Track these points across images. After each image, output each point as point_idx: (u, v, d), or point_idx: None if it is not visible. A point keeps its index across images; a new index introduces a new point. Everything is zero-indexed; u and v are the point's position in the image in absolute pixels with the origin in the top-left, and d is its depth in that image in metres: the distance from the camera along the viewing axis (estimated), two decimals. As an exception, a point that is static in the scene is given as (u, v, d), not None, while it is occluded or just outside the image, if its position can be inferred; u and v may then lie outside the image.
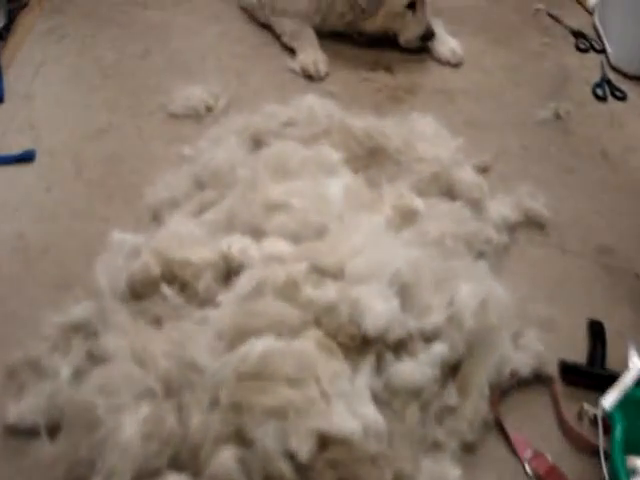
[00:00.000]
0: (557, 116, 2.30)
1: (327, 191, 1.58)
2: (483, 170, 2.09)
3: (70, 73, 2.39)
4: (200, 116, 2.19)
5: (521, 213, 1.94)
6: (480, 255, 1.77)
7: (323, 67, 2.36)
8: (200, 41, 2.52)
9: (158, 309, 1.46)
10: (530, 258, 1.88)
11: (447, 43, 2.49)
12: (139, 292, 1.48)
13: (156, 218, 1.82)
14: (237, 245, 1.44)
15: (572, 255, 1.91)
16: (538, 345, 1.58)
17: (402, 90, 2.36)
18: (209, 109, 2.21)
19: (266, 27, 2.58)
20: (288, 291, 1.32)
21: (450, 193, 1.83)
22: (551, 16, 2.77)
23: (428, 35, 2.37)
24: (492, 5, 2.83)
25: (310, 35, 2.45)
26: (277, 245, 1.45)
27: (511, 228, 1.91)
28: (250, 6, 2.59)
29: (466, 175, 1.83)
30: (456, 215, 1.74)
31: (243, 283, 1.35)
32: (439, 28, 2.54)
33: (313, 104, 1.89)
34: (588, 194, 2.07)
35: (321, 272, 1.39)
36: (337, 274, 1.39)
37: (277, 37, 2.53)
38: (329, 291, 1.33)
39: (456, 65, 2.48)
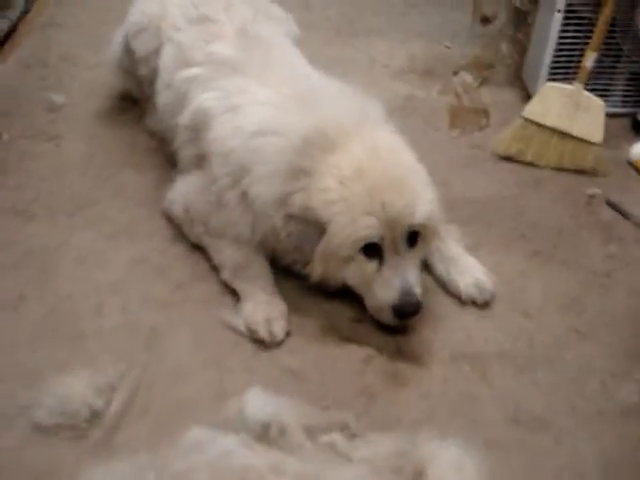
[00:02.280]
0: (650, 398, 1.55)
1: None
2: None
3: None
4: (80, 429, 1.49)
5: None
6: None
7: (280, 327, 1.65)
8: (101, 276, 1.84)
9: None
10: None
11: (469, 270, 1.79)
12: None
13: None
14: None
15: None
16: None
17: (402, 358, 1.65)
18: (95, 416, 1.47)
19: (201, 249, 1.86)
20: None
21: None
22: (612, 206, 2.08)
23: (405, 309, 1.60)
24: (527, 193, 2.17)
25: (261, 272, 1.76)
26: None
27: None
28: (177, 219, 1.88)
29: None
30: None
31: None
32: (453, 244, 1.85)
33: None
34: None
35: None
36: None
37: (215, 267, 1.80)
38: None
39: (484, 305, 1.74)
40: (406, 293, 1.58)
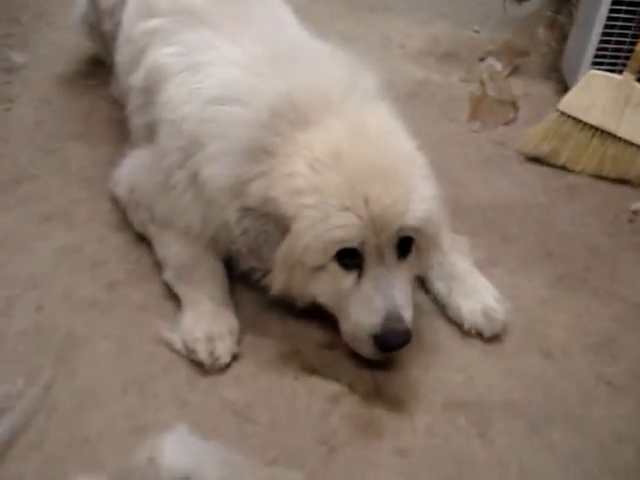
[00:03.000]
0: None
1: None
2: None
3: None
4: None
5: None
6: None
7: (225, 348, 1.33)
8: (20, 265, 1.57)
9: None
10: None
11: (476, 293, 1.46)
12: None
13: None
14: None
15: None
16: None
17: (379, 401, 1.34)
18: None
19: (147, 240, 1.53)
20: None
21: None
22: (660, 226, 1.71)
23: (389, 339, 1.24)
24: (557, 203, 1.85)
25: (211, 275, 1.44)
26: None
27: None
28: (122, 202, 1.56)
29: None
30: None
31: None
32: (459, 259, 1.53)
33: None
34: None
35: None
36: None
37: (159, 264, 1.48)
38: None
39: (492, 339, 1.41)
40: (391, 318, 1.22)
